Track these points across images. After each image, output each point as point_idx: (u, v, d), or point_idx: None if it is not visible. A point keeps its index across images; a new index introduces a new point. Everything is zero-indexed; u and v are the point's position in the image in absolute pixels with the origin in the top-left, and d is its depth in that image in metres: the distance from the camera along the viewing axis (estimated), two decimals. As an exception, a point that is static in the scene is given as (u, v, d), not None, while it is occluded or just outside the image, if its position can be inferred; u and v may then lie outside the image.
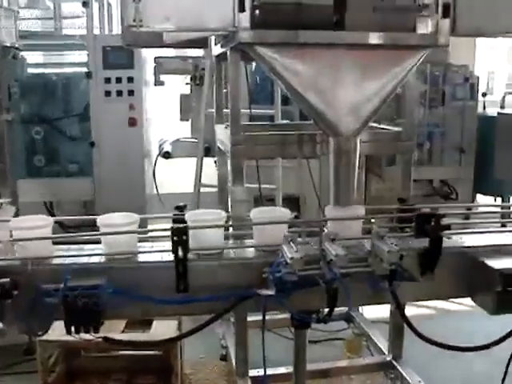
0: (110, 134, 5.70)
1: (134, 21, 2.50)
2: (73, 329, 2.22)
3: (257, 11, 2.72)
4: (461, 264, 2.72)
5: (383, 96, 2.78)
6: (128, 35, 3.31)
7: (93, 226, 2.56)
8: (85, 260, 2.41)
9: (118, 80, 5.65)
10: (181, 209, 2.91)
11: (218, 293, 2.48)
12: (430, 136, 6.68)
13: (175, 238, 2.45)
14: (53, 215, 6.09)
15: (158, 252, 2.54)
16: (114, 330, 3.68)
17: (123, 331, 3.84)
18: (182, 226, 2.49)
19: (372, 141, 3.10)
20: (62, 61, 6.53)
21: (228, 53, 3.02)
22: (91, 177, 5.82)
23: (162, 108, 7.59)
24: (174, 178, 8.05)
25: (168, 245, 2.45)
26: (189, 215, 2.65)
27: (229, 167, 3.12)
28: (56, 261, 2.39)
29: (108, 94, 5.65)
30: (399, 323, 3.16)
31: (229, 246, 2.70)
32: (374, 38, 2.76)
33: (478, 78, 6.86)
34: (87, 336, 2.27)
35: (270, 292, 2.39)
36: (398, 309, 2.66)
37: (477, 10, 2.73)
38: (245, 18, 2.64)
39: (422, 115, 6.53)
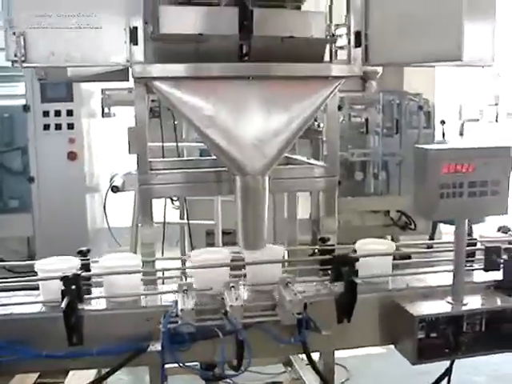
0: (50, 168, 5.51)
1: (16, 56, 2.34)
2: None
3: (155, 44, 2.56)
4: (382, 310, 2.56)
5: (292, 131, 2.62)
6: (38, 70, 3.16)
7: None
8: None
9: (57, 113, 5.47)
10: (83, 253, 2.74)
11: (117, 345, 2.31)
12: (386, 165, 6.54)
13: (63, 288, 2.27)
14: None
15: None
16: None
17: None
18: (72, 274, 2.31)
19: (288, 178, 2.91)
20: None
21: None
22: (31, 213, 5.61)
23: (114, 140, 7.41)
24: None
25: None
26: (101, 261, 2.56)
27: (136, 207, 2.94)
28: None
29: (47, 127, 5.46)
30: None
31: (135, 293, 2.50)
32: (281, 70, 2.61)
33: (434, 105, 6.78)
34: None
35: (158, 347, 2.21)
36: (309, 361, 2.47)
37: (387, 40, 2.61)
38: (138, 52, 2.48)
39: (376, 144, 6.40)
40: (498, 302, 2.55)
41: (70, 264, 2.49)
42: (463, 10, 2.33)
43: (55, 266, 2.47)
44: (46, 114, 5.49)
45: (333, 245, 2.81)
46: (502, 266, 2.65)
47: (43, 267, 2.48)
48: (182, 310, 2.18)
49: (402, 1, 2.54)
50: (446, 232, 6.09)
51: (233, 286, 2.32)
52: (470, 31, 2.37)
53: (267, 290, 2.48)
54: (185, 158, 4.82)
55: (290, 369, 3.99)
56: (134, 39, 2.45)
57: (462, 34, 2.33)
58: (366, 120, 6.36)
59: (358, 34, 2.66)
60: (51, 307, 2.36)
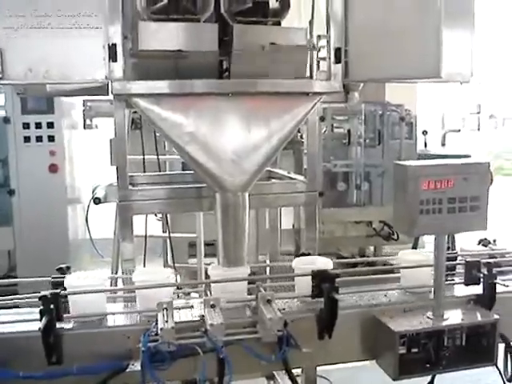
0: (30, 181, 5.50)
1: (-6, 72, 2.31)
2: None
3: (134, 60, 2.55)
4: (363, 325, 2.56)
5: (272, 146, 2.62)
6: (17, 85, 3.14)
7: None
8: None
9: (38, 125, 5.46)
10: (62, 271, 2.71)
11: (97, 364, 2.28)
12: (369, 176, 6.56)
13: (41, 308, 2.24)
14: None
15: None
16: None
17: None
18: (50, 293, 2.28)
19: (268, 193, 2.91)
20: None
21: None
22: (11, 226, 5.56)
23: (96, 151, 7.39)
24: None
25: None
26: (68, 280, 2.47)
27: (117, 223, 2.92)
28: None
29: (27, 139, 5.45)
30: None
31: (106, 312, 2.47)
32: (262, 86, 2.60)
33: (416, 116, 6.82)
34: None
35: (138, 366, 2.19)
36: (290, 378, 2.46)
37: (367, 56, 2.61)
38: (117, 68, 2.46)
39: (359, 155, 6.42)
40: (479, 317, 2.55)
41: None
42: (441, 27, 2.34)
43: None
44: (26, 126, 5.47)
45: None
46: (481, 280, 2.66)
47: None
48: (161, 328, 2.16)
49: (381, 18, 2.54)
50: (428, 241, 6.12)
51: (213, 305, 2.31)
52: (448, 47, 2.38)
53: (237, 308, 2.48)
54: (166, 173, 4.79)
55: (272, 383, 3.98)
56: (113, 56, 2.43)
57: (441, 51, 2.34)
58: (349, 131, 6.38)
59: (337, 51, 2.67)
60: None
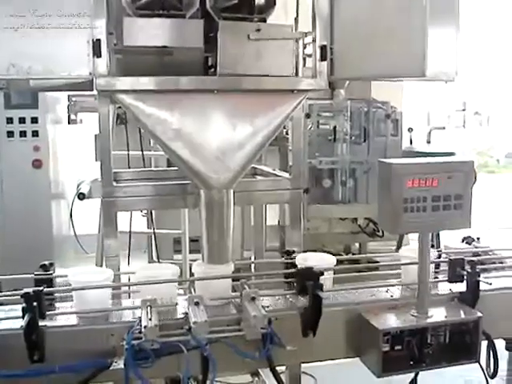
0: (14, 176, 5.45)
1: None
2: None
3: (119, 55, 2.53)
4: (347, 323, 2.56)
5: (257, 144, 2.61)
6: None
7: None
8: None
9: (22, 120, 5.40)
10: (45, 268, 2.69)
11: (80, 362, 2.25)
12: (354, 173, 6.56)
13: (24, 305, 2.22)
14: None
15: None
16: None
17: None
18: (32, 290, 2.26)
19: (253, 190, 2.90)
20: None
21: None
22: (-5, 221, 5.53)
23: (81, 146, 7.35)
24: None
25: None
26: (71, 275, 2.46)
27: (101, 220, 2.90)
28: None
29: (10, 134, 5.40)
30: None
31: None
32: (247, 83, 2.59)
33: (401, 113, 6.82)
34: None
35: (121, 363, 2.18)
36: (274, 376, 2.46)
37: (352, 54, 2.61)
38: (102, 64, 2.44)
39: (344, 152, 6.42)
40: (462, 315, 2.56)
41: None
42: (427, 26, 2.34)
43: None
44: (9, 120, 5.42)
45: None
46: (465, 277, 2.67)
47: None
48: (145, 326, 2.15)
49: (367, 16, 2.55)
50: (413, 239, 6.15)
51: (197, 302, 2.30)
52: (433, 47, 2.39)
53: (220, 305, 2.48)
54: (151, 169, 4.77)
55: (257, 379, 3.99)
56: (97, 52, 2.42)
57: (426, 50, 2.35)
58: (334, 128, 6.37)
59: (323, 48, 2.66)
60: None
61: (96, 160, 5.84)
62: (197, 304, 2.30)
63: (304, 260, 2.67)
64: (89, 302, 2.42)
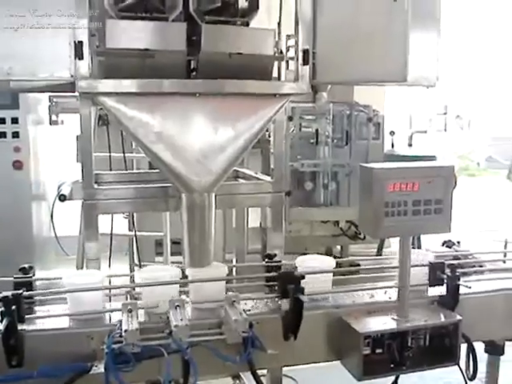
0: (-6, 178, 5.38)
1: None
2: None
3: (101, 58, 2.52)
4: (328, 326, 2.56)
5: (239, 147, 2.62)
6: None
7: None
8: None
9: (2, 121, 5.34)
10: (25, 271, 2.66)
11: (60, 366, 2.22)
12: (336, 176, 6.58)
13: (2, 309, 2.20)
14: None
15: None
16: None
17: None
18: (11, 294, 2.23)
19: (234, 194, 2.90)
20: None
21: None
22: (-26, 223, 5.45)
23: (63, 147, 7.30)
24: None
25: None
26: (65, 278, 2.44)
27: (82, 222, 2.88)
28: None
29: (-10, 135, 5.34)
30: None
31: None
32: (229, 86, 2.59)
33: (383, 116, 6.85)
34: None
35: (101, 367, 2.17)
36: (255, 379, 2.45)
37: (334, 59, 2.63)
38: (84, 66, 2.43)
39: (326, 155, 6.43)
40: (442, 318, 2.58)
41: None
42: (408, 32, 2.36)
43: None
44: (-11, 121, 5.35)
45: (279, 261, 2.79)
46: (445, 281, 2.69)
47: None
48: (125, 330, 2.13)
49: (349, 22, 2.56)
50: (394, 242, 6.18)
51: (178, 305, 2.29)
52: (414, 52, 2.41)
53: (212, 308, 2.46)
54: (133, 171, 4.75)
55: (238, 382, 3.99)
56: (78, 54, 2.41)
57: (407, 56, 2.37)
58: (317, 131, 6.38)
59: (305, 52, 2.67)
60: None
61: (77, 161, 5.81)
62: (178, 307, 2.30)
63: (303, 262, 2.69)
64: (84, 303, 2.40)
